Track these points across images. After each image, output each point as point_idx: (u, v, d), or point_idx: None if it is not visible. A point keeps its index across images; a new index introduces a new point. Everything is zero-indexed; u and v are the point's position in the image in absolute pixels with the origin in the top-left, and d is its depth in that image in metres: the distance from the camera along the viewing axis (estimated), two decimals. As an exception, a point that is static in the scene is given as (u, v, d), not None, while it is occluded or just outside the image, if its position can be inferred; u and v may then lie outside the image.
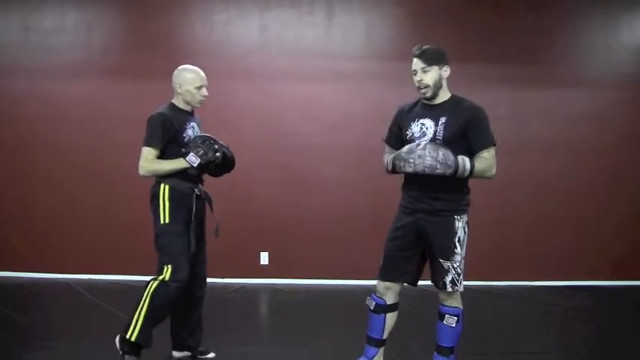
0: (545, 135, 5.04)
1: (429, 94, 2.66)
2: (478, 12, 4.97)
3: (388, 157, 2.73)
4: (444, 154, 2.50)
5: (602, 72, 5.08)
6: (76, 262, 4.94)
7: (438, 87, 2.66)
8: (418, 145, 2.54)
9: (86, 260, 4.94)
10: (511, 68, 4.99)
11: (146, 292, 2.82)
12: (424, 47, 2.66)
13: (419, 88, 2.67)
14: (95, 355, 3.14)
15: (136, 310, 2.81)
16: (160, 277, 2.83)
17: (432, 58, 2.63)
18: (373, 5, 5.02)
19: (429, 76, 2.63)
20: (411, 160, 2.52)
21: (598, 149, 5.06)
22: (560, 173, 5.06)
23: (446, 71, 2.68)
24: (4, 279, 4.86)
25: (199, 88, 2.96)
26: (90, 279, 4.89)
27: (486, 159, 2.61)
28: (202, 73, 2.99)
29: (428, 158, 2.49)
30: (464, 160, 2.54)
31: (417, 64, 2.65)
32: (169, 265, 2.83)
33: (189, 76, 2.95)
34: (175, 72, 2.98)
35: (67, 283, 4.76)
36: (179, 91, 2.95)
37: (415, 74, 2.66)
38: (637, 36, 5.12)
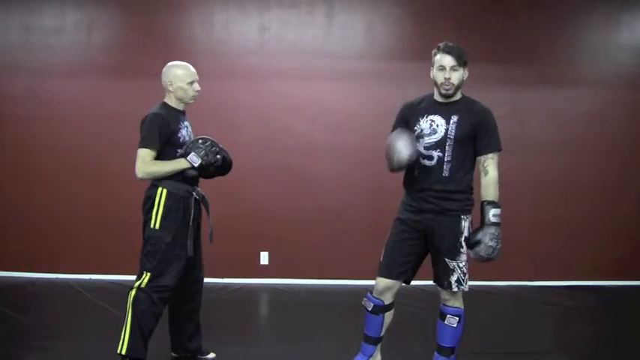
0: (545, 135, 5.04)
1: (451, 92, 2.63)
2: (478, 11, 4.96)
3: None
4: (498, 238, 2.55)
5: (603, 72, 5.08)
6: (76, 262, 4.93)
7: (459, 88, 2.65)
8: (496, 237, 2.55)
9: (86, 260, 4.93)
10: (511, 68, 4.99)
11: (128, 303, 2.77)
12: (453, 45, 2.62)
13: (442, 84, 2.62)
14: (95, 355, 3.14)
15: (123, 323, 2.77)
16: (137, 284, 2.77)
17: (462, 59, 2.61)
18: (373, 5, 5.02)
19: (457, 75, 2.61)
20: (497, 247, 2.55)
21: (598, 149, 5.06)
22: (560, 173, 5.05)
23: (467, 73, 2.67)
24: (4, 279, 4.86)
25: (191, 83, 2.88)
26: (90, 279, 4.89)
27: (488, 182, 2.60)
28: (192, 68, 2.91)
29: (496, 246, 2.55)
30: (488, 212, 2.56)
31: (448, 61, 2.59)
32: (148, 273, 2.77)
33: (179, 72, 2.87)
34: (164, 70, 2.90)
35: (67, 283, 4.76)
36: (170, 89, 2.87)
37: (442, 70, 2.61)
38: (637, 36, 5.12)
